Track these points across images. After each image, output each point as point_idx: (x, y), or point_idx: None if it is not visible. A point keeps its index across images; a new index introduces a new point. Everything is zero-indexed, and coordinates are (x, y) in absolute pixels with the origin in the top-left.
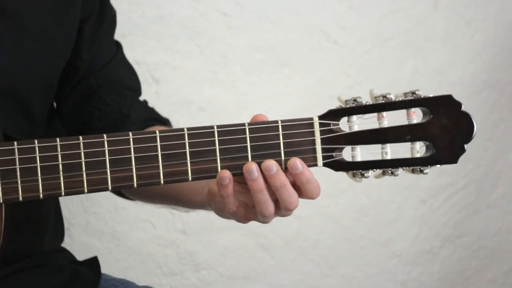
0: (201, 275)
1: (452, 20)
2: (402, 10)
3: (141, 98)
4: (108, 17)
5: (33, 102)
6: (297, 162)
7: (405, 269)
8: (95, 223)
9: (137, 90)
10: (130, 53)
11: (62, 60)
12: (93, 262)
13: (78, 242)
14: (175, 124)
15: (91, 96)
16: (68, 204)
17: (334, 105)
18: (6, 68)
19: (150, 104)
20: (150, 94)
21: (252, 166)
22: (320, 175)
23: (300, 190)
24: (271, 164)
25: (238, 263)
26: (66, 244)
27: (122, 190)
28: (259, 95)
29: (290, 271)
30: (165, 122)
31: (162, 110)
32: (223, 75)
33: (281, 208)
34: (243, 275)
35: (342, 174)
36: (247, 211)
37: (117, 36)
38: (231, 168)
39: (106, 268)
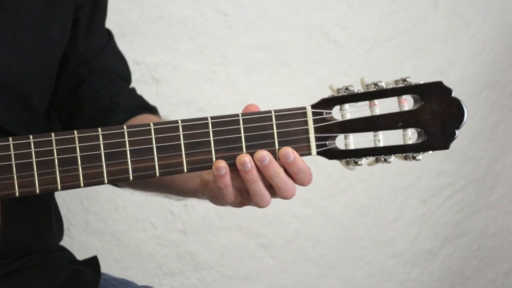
0: (201, 275)
1: (452, 20)
2: (402, 10)
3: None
4: (103, 5)
5: (33, 94)
6: (288, 151)
7: (405, 269)
8: (95, 223)
9: (128, 79)
10: (130, 53)
11: (59, 49)
12: (93, 262)
13: (78, 242)
14: None
15: (81, 83)
16: (68, 204)
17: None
18: (3, 61)
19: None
20: (150, 94)
21: (245, 158)
22: (321, 175)
23: (293, 178)
24: (264, 155)
25: (238, 263)
26: (66, 244)
27: None
28: (259, 95)
29: (290, 271)
30: (153, 110)
31: (162, 110)
32: (223, 75)
33: (278, 197)
34: (243, 275)
35: (342, 174)
36: (243, 197)
37: (117, 36)
38: (227, 159)
39: (106, 268)
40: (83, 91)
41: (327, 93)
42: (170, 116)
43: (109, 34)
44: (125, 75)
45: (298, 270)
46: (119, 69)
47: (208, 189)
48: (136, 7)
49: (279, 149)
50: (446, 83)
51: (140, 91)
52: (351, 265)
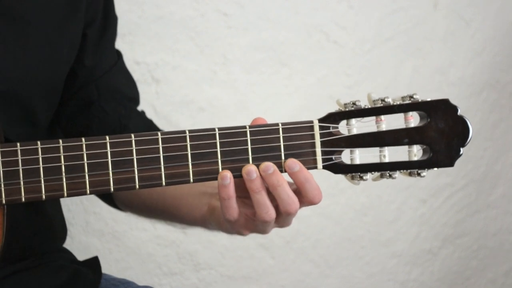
0: (201, 275)
1: (452, 20)
2: (402, 10)
3: (142, 98)
4: (112, 24)
5: (36, 107)
6: (293, 161)
7: (405, 269)
8: (95, 223)
9: (136, 100)
10: (130, 53)
11: (66, 65)
12: (94, 262)
13: (78, 242)
14: (175, 124)
15: (91, 104)
16: (68, 204)
17: (334, 105)
18: (9, 72)
19: (150, 104)
20: (150, 94)
21: (251, 168)
22: (320, 175)
23: (301, 193)
24: (268, 165)
25: (238, 263)
26: (66, 244)
27: (115, 200)
28: (259, 95)
29: (290, 271)
30: None
31: (162, 110)
32: (223, 75)
33: (281, 212)
34: (243, 275)
35: (341, 175)
36: (247, 221)
37: (117, 36)
38: (232, 170)
39: (106, 268)
40: (92, 111)
41: (327, 93)
42: (170, 116)
43: (118, 54)
44: (134, 96)
45: (298, 270)
46: (128, 90)
47: (214, 215)
48: (136, 7)
49: (285, 161)
50: (446, 83)
51: (140, 91)
52: (351, 265)
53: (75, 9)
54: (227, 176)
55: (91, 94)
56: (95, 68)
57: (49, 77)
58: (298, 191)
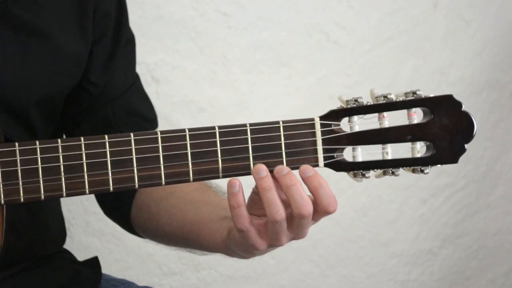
0: (201, 275)
1: (452, 20)
2: (402, 10)
3: None
4: (124, 42)
5: (32, 116)
6: (307, 167)
7: (405, 269)
8: (95, 223)
9: (154, 122)
10: None
11: (69, 79)
12: (94, 262)
13: (78, 242)
14: (176, 124)
15: (109, 126)
16: (68, 204)
17: (334, 105)
18: (6, 79)
19: None
20: (150, 94)
21: (261, 166)
22: (320, 174)
23: (315, 200)
24: (282, 167)
25: (238, 263)
26: (66, 244)
27: (134, 227)
28: (259, 95)
29: (290, 271)
30: None
31: (162, 110)
32: (223, 75)
33: (294, 215)
34: (243, 275)
35: (342, 174)
36: (260, 231)
37: None
38: (233, 169)
39: (106, 268)
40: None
41: (327, 93)
42: (170, 116)
43: (136, 77)
44: (151, 118)
45: (298, 270)
46: (145, 112)
47: (232, 237)
48: (136, 7)
49: (287, 160)
50: (446, 83)
51: None
52: (351, 265)
53: (84, 25)
54: (236, 184)
55: (107, 116)
56: (108, 88)
57: (47, 88)
58: (312, 200)
